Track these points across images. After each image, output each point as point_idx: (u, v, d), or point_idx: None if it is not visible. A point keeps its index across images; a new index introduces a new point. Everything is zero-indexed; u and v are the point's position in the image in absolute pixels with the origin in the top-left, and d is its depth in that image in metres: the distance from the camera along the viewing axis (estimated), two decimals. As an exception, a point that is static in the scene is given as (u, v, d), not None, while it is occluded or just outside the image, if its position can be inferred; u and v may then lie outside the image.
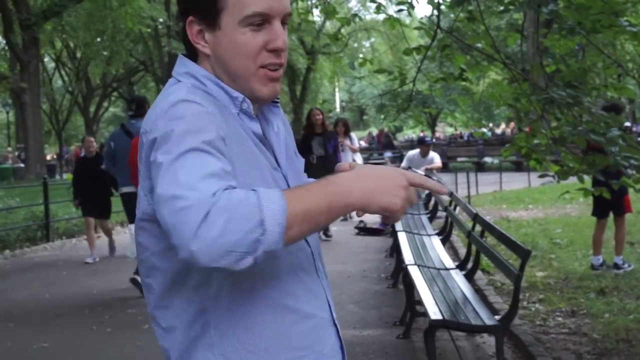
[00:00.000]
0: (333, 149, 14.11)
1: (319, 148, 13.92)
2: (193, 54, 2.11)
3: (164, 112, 1.88)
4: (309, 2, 17.90)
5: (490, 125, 65.42)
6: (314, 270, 2.12)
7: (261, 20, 2.00)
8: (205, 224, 1.63)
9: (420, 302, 6.70)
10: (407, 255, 8.40)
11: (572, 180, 6.96)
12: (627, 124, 39.46)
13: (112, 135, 11.43)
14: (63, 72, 57.00)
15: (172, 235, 1.68)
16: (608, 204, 9.77)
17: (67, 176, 33.20)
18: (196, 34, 2.04)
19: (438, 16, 8.09)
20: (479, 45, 7.63)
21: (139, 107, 10.36)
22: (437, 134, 65.76)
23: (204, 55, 2.08)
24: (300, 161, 2.29)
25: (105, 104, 63.21)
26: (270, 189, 1.81)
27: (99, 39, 43.53)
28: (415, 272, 7.54)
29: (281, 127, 2.21)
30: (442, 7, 8.08)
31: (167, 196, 1.71)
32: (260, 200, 1.68)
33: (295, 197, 1.74)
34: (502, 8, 7.25)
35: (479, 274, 9.37)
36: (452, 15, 9.10)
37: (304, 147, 13.33)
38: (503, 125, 59.87)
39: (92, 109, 58.28)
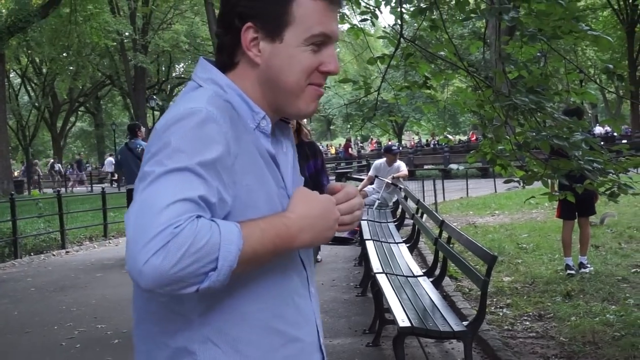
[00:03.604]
0: (314, 170, 7.50)
1: None
2: (227, 63, 2.04)
3: (176, 118, 1.83)
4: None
5: (446, 132, 65.80)
6: (308, 295, 2.11)
7: (321, 42, 1.99)
8: (162, 252, 1.63)
9: (389, 310, 6.73)
10: (375, 264, 8.44)
11: (537, 185, 7.03)
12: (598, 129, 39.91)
13: (119, 150, 14.56)
14: (29, 88, 56.77)
15: (128, 246, 1.68)
16: (575, 206, 9.89)
17: (33, 192, 33.06)
18: (250, 41, 1.98)
19: (401, 25, 8.15)
20: (442, 53, 7.70)
21: (132, 132, 14.00)
22: (410, 141, 66.13)
23: (250, 65, 2.01)
24: (302, 180, 2.24)
25: (72, 118, 63.01)
26: (275, 210, 1.91)
27: (64, 54, 43.35)
28: (383, 280, 7.57)
29: (290, 148, 2.20)
30: (405, 16, 8.14)
31: (137, 208, 1.71)
32: (221, 239, 1.69)
33: (249, 234, 1.75)
34: (464, 16, 7.32)
35: (446, 281, 9.41)
36: (415, 25, 9.16)
37: None
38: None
39: (59, 124, 58.04)
